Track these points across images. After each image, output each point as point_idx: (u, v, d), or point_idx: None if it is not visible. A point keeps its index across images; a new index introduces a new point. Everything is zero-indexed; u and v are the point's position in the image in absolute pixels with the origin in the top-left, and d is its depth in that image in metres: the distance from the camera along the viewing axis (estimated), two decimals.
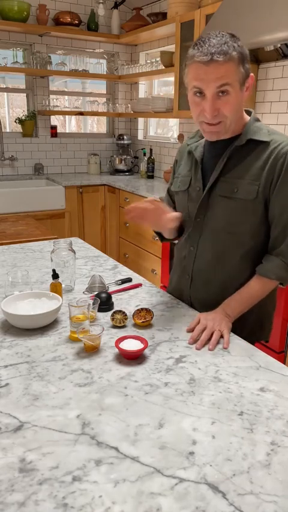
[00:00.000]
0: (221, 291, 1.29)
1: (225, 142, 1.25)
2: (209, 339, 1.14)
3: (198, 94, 1.15)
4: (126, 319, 1.21)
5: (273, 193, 1.20)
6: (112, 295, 1.35)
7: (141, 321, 1.20)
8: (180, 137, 3.79)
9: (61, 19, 3.90)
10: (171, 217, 1.29)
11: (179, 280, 1.42)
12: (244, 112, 1.27)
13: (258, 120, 1.28)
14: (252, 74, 1.18)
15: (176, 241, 1.49)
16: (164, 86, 4.40)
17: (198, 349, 1.11)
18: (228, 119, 1.17)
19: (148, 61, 4.03)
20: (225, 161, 1.24)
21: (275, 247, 1.24)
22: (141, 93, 4.50)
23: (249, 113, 1.29)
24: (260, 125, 1.26)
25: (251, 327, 1.36)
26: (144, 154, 4.30)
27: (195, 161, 1.33)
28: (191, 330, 1.18)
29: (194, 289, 1.36)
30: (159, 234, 1.49)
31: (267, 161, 1.19)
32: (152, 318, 1.22)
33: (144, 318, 1.21)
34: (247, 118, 1.27)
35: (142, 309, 1.23)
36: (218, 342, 1.13)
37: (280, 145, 1.19)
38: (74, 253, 1.46)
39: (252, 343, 1.33)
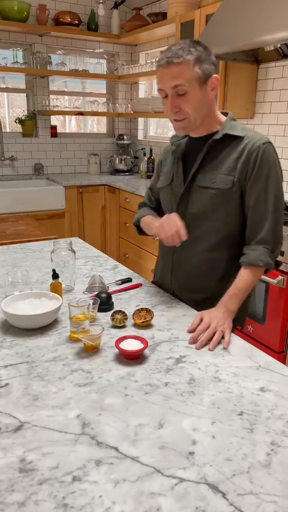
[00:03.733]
0: (202, 275, 1.40)
1: (203, 139, 1.36)
2: (210, 339, 1.14)
3: (164, 96, 1.28)
4: (126, 319, 1.21)
5: (248, 185, 1.30)
6: (112, 295, 1.35)
7: (141, 321, 1.20)
8: None
9: (61, 19, 3.90)
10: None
11: (162, 270, 1.53)
12: (219, 113, 1.38)
13: (234, 119, 1.39)
14: (216, 75, 1.27)
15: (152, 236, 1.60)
16: None
17: (197, 349, 1.11)
18: (191, 115, 1.28)
19: (148, 61, 4.03)
20: (203, 155, 1.34)
21: (254, 236, 1.32)
22: (141, 93, 4.50)
23: (227, 114, 1.40)
24: (236, 123, 1.37)
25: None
26: (144, 154, 4.30)
27: (177, 158, 1.44)
28: (192, 331, 1.18)
29: (175, 275, 1.46)
30: (138, 228, 1.60)
31: (242, 153, 1.30)
32: (152, 318, 1.22)
33: (144, 318, 1.21)
34: (223, 117, 1.38)
35: (142, 309, 1.23)
36: (219, 343, 1.13)
37: (254, 139, 1.30)
38: (74, 253, 1.46)
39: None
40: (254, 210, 1.31)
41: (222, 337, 1.15)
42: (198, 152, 1.36)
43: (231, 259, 1.36)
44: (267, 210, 1.29)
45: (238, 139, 1.31)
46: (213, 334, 1.15)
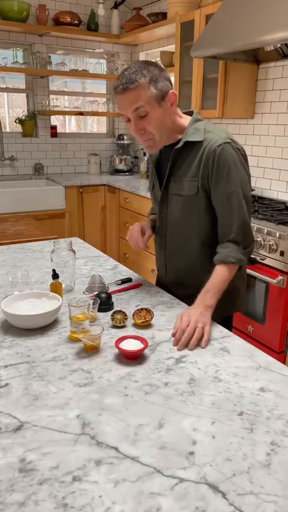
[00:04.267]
0: (191, 273, 1.47)
1: (172, 146, 1.39)
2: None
3: (127, 120, 1.31)
4: (126, 319, 1.21)
5: (212, 188, 1.35)
6: (112, 295, 1.35)
7: (141, 321, 1.20)
8: None
9: (61, 19, 3.90)
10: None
11: (159, 269, 1.62)
12: (184, 117, 1.41)
13: (198, 120, 1.40)
14: (172, 90, 1.31)
15: None
16: None
17: (179, 350, 1.11)
18: (156, 135, 1.32)
19: None
20: (171, 163, 1.40)
21: (225, 235, 1.36)
22: None
23: (192, 113, 1.42)
24: (199, 125, 1.38)
25: (221, 303, 1.35)
26: (144, 154, 4.29)
27: (153, 165, 1.52)
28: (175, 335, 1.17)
29: (169, 274, 1.55)
30: None
31: (201, 159, 1.34)
32: (152, 318, 1.22)
33: (144, 318, 1.21)
34: (186, 122, 1.40)
35: (142, 309, 1.23)
36: (198, 343, 1.13)
37: (210, 142, 1.33)
38: (74, 253, 1.46)
39: (228, 315, 1.54)
40: (221, 212, 1.35)
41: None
42: (169, 159, 1.41)
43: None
44: (233, 210, 1.33)
45: (199, 143, 1.35)
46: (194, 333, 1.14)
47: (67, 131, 4.77)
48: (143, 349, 1.05)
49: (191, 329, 1.15)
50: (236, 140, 1.35)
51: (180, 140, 1.38)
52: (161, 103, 1.29)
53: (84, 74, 4.17)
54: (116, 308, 1.31)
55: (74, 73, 4.11)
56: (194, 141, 1.35)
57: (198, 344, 1.13)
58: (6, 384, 0.94)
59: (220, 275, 1.30)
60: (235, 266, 1.34)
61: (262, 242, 2.19)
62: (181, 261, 1.48)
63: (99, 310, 1.28)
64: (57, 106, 4.16)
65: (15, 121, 4.16)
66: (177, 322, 1.20)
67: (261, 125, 2.99)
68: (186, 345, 1.12)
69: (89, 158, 4.40)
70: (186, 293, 1.45)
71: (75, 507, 0.65)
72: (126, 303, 1.37)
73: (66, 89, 4.65)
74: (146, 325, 1.22)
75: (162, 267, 1.57)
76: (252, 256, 1.45)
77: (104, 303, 1.29)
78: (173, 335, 1.17)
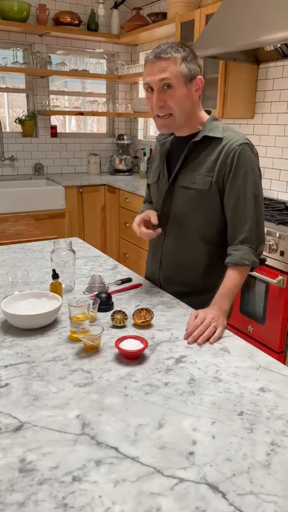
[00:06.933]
0: (185, 270, 1.45)
1: (186, 139, 1.39)
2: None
3: (149, 90, 1.31)
4: (126, 319, 1.21)
5: (227, 186, 1.33)
6: (112, 295, 1.35)
7: (141, 321, 1.20)
8: None
9: (61, 19, 3.90)
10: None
11: (151, 264, 1.58)
12: (204, 112, 1.41)
13: (216, 119, 1.41)
14: (200, 76, 1.31)
15: None
16: None
17: (189, 343, 1.13)
18: (176, 112, 1.30)
19: None
20: (184, 155, 1.38)
21: (236, 236, 1.35)
22: (141, 93, 4.50)
23: (210, 112, 1.43)
24: (217, 123, 1.39)
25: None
26: (144, 154, 4.30)
27: (162, 156, 1.48)
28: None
29: (162, 270, 1.51)
30: None
31: (219, 155, 1.33)
32: (152, 318, 1.22)
33: (144, 318, 1.21)
34: (206, 117, 1.40)
35: (142, 309, 1.23)
36: (208, 339, 1.15)
37: (231, 140, 1.33)
38: (74, 253, 1.46)
39: None
40: (234, 211, 1.34)
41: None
42: (181, 151, 1.39)
43: (211, 257, 1.41)
44: (247, 210, 1.32)
45: (217, 140, 1.34)
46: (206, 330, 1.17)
47: (67, 131, 4.77)
48: (143, 349, 1.05)
49: (204, 326, 1.17)
50: (252, 143, 1.36)
51: (197, 133, 1.37)
52: (188, 84, 1.29)
53: (84, 74, 4.17)
54: (116, 308, 1.31)
55: (74, 73, 4.12)
56: (212, 137, 1.34)
57: (207, 340, 1.15)
58: (6, 384, 0.94)
59: (233, 278, 1.31)
60: (248, 268, 1.34)
61: None
62: (178, 256, 1.45)
63: (99, 310, 1.28)
64: (57, 106, 4.16)
65: (15, 121, 4.16)
66: (192, 317, 1.22)
67: (261, 125, 2.99)
68: (195, 340, 1.14)
69: (89, 158, 4.40)
70: (177, 290, 1.46)
71: (75, 507, 0.65)
72: (126, 303, 1.37)
73: (66, 89, 4.65)
74: (146, 325, 1.22)
75: (156, 263, 1.53)
76: (261, 257, 1.45)
77: (104, 303, 1.29)
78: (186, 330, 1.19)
